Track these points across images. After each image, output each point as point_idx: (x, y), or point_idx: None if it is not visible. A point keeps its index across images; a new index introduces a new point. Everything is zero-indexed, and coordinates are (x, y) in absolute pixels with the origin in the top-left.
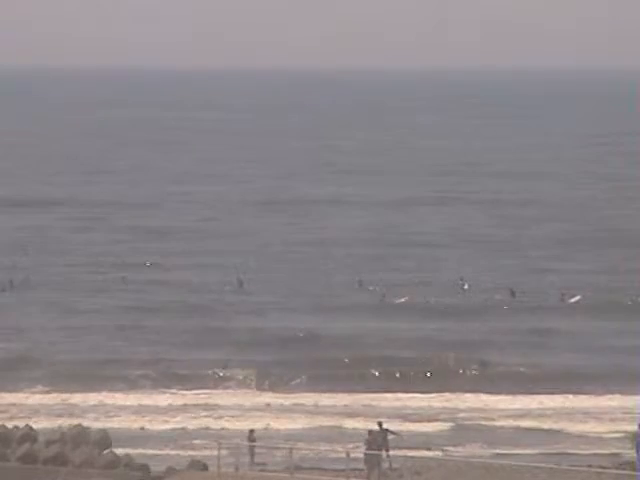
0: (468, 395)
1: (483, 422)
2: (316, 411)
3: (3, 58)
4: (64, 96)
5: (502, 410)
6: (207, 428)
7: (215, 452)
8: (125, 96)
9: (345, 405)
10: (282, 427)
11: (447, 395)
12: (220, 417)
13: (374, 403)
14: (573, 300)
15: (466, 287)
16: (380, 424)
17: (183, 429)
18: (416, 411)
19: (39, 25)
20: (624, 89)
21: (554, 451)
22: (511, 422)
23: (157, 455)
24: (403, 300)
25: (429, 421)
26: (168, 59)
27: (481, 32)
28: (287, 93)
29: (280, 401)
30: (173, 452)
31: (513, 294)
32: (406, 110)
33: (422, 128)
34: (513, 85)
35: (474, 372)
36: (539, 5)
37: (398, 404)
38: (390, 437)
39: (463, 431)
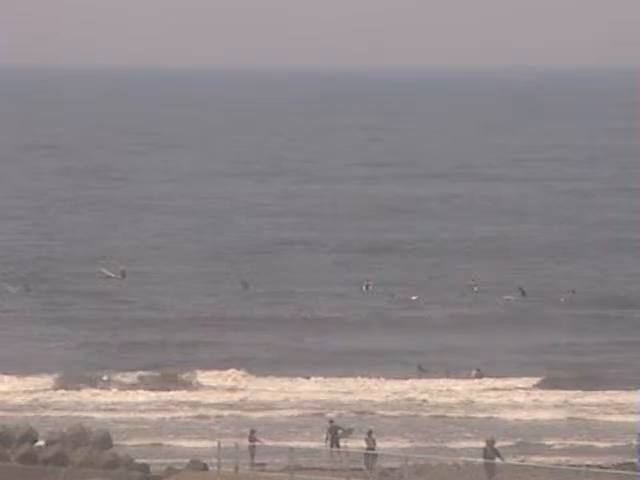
0: None
1: None
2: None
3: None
4: (78, 96)
5: None
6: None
7: (215, 452)
8: (125, 95)
9: None
10: None
11: None
12: None
13: None
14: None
15: (476, 289)
16: (331, 421)
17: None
18: None
19: (39, 25)
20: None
21: None
22: None
23: (157, 455)
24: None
25: None
26: (169, 59)
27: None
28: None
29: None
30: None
31: (524, 294)
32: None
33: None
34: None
35: None
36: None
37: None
38: (340, 433)
39: None
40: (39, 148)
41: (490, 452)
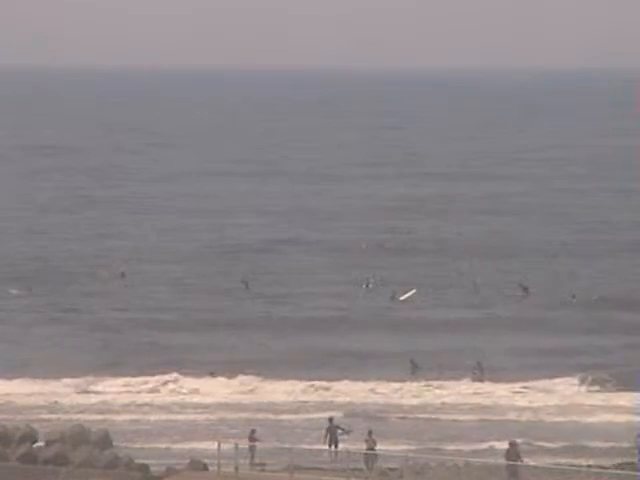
0: None
1: None
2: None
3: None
4: (77, 96)
5: None
6: None
7: (215, 452)
8: (126, 96)
9: None
10: None
11: None
12: None
13: None
14: None
15: (475, 289)
16: (331, 420)
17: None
18: None
19: (38, 25)
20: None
21: None
22: None
23: (157, 455)
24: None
25: None
26: (168, 59)
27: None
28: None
29: None
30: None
31: (526, 291)
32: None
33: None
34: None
35: None
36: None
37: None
38: (339, 433)
39: None
40: (39, 148)
41: (513, 454)
